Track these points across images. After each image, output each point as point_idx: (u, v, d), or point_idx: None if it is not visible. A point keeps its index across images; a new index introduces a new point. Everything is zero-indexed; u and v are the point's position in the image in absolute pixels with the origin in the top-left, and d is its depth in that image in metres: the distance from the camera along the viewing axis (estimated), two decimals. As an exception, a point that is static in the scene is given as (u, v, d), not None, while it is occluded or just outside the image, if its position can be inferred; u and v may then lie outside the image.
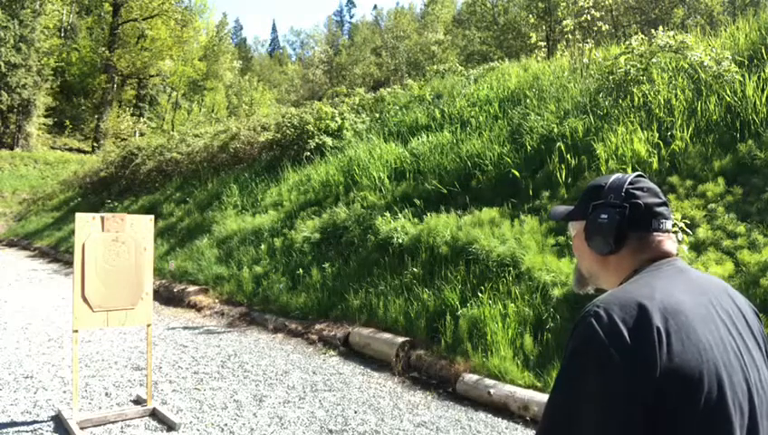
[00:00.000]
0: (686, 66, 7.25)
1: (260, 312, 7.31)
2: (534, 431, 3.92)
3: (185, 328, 7.03)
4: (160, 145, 17.76)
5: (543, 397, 4.13)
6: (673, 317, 0.96)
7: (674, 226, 4.78)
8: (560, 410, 0.96)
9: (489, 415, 4.22)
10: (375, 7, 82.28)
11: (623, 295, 1.00)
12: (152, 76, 37.82)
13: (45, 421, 3.91)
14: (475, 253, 5.85)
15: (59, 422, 3.88)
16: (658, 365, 0.91)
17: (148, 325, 4.18)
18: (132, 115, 35.93)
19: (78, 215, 3.95)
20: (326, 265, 7.26)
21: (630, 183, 1.16)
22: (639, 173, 1.22)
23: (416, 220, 7.10)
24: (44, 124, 32.48)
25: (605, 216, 1.15)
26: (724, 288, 1.11)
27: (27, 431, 3.73)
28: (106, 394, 4.49)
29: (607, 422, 0.89)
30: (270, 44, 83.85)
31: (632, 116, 6.88)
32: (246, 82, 44.14)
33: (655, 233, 1.14)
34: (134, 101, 39.04)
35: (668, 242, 1.16)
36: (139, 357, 5.51)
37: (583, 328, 0.97)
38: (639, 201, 1.14)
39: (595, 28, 10.57)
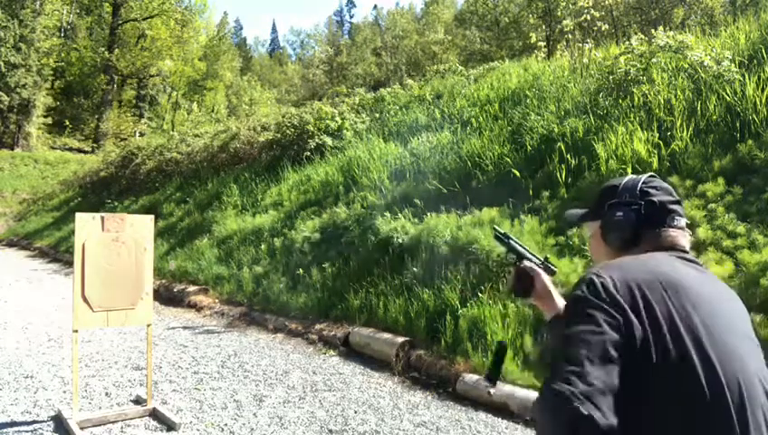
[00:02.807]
0: (686, 66, 7.25)
1: (260, 312, 7.31)
2: (535, 431, 3.92)
3: (185, 328, 7.03)
4: (160, 145, 17.76)
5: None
6: (667, 290, 1.02)
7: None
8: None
9: (489, 415, 4.22)
10: (375, 7, 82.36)
11: (620, 265, 1.08)
12: (152, 76, 37.81)
13: (45, 421, 3.91)
14: (474, 253, 5.85)
15: (59, 422, 3.87)
16: (639, 329, 0.98)
17: (149, 325, 4.18)
18: (132, 115, 35.95)
19: (78, 215, 3.95)
20: (326, 265, 7.26)
21: (644, 182, 1.19)
22: (652, 174, 1.24)
23: (416, 220, 7.10)
24: (44, 124, 32.48)
25: (620, 213, 1.17)
26: (725, 291, 1.14)
27: (27, 431, 3.73)
28: (106, 394, 4.49)
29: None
30: (270, 44, 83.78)
31: (632, 116, 6.88)
32: (246, 82, 44.14)
33: (669, 229, 1.16)
34: (134, 102, 39.03)
35: (682, 239, 1.17)
36: (139, 357, 5.51)
37: (581, 284, 1.07)
38: (654, 199, 1.16)
39: (595, 28, 10.57)
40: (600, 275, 1.04)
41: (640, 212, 1.15)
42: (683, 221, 1.18)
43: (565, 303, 1.16)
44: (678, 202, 1.19)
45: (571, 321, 1.03)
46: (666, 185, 1.22)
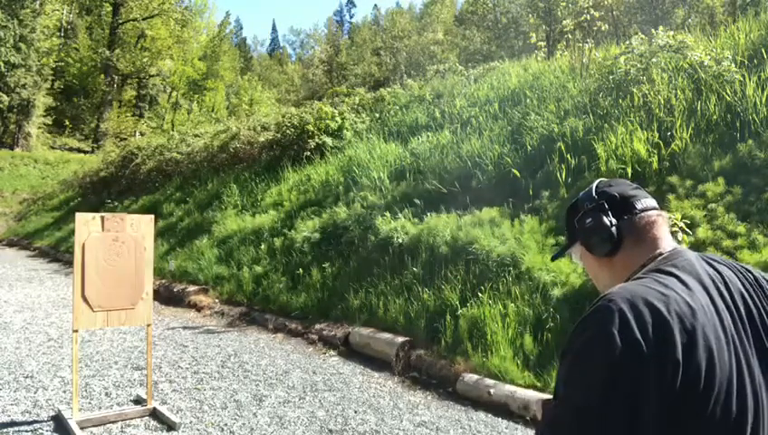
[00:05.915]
0: (686, 66, 7.25)
1: (260, 312, 7.31)
2: (534, 431, 3.92)
3: (185, 328, 7.03)
4: (160, 145, 17.76)
5: (543, 397, 4.12)
6: (683, 317, 0.94)
7: (673, 225, 4.77)
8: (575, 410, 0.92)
9: (489, 415, 4.22)
10: (375, 7, 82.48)
11: (633, 290, 0.98)
12: (152, 76, 37.83)
13: (45, 421, 3.91)
14: (474, 253, 5.85)
15: (59, 422, 3.87)
16: (670, 364, 0.89)
17: (149, 325, 4.18)
18: (132, 115, 35.95)
19: (78, 215, 3.95)
20: (326, 265, 7.26)
21: (597, 186, 1.25)
22: (602, 179, 1.30)
23: (416, 220, 7.10)
24: (44, 124, 32.48)
25: (589, 219, 1.21)
26: (735, 281, 1.08)
27: (27, 431, 3.74)
28: (106, 394, 4.49)
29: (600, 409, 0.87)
30: (270, 44, 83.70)
31: (632, 116, 6.88)
32: (246, 82, 44.13)
33: (641, 214, 1.18)
34: (134, 102, 39.04)
35: (661, 226, 1.18)
36: (139, 357, 5.51)
37: (594, 321, 0.95)
38: (612, 192, 1.21)
39: (595, 28, 10.55)
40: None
41: (605, 208, 1.18)
42: (650, 202, 1.20)
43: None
44: (638, 188, 1.23)
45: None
46: (620, 179, 1.26)
